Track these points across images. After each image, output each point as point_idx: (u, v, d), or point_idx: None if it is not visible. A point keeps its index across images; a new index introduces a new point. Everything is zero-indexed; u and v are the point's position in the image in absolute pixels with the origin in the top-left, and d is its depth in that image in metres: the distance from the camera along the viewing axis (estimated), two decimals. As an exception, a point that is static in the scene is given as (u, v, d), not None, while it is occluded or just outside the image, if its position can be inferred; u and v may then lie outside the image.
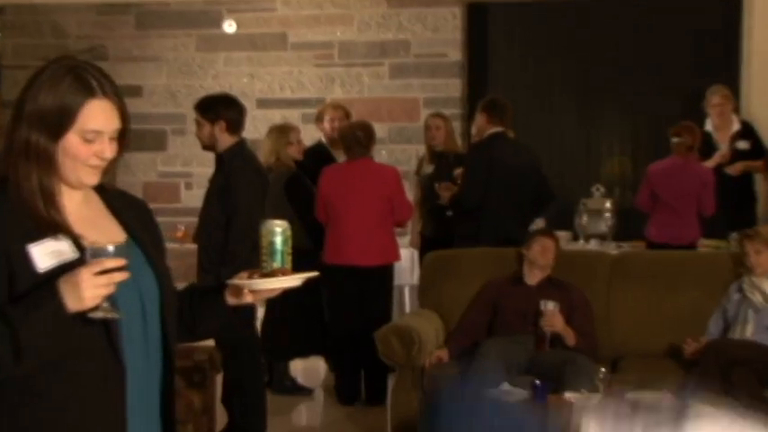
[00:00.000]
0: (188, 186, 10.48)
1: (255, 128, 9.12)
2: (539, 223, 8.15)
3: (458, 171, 7.84)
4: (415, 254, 8.64)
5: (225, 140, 6.36)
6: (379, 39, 10.22)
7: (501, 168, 7.49)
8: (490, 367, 6.08)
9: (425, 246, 8.25)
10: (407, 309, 8.81)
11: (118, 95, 2.59)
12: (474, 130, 8.22)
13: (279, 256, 2.74)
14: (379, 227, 7.58)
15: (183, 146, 10.41)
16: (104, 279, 2.37)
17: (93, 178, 2.57)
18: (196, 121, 6.47)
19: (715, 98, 8.49)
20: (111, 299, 2.41)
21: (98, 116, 2.53)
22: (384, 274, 7.68)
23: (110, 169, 2.61)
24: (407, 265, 8.66)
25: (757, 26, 9.35)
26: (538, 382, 5.48)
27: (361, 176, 7.60)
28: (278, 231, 2.76)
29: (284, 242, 2.75)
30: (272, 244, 2.74)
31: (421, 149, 9.27)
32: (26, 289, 2.42)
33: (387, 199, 7.59)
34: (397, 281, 8.08)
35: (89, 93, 2.52)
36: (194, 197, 9.49)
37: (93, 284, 2.37)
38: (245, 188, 6.23)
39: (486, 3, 10.20)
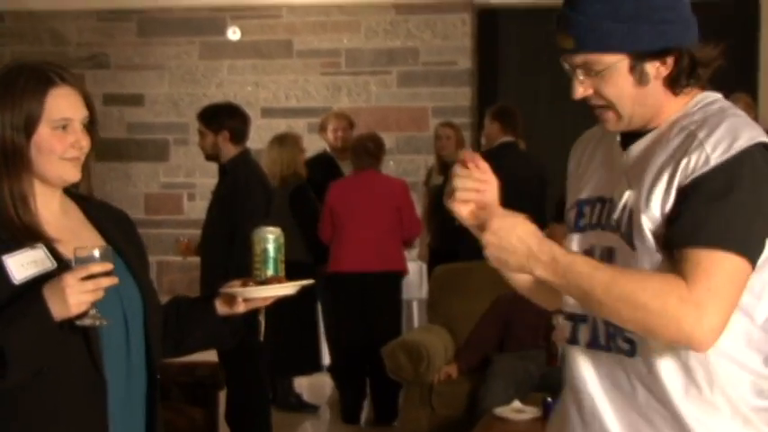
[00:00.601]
0: (191, 197, 10.39)
1: (260, 137, 8.98)
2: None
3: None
4: (424, 267, 8.61)
5: (228, 150, 6.32)
6: (386, 46, 10.09)
7: (512, 179, 7.38)
8: (501, 385, 6.04)
9: (433, 258, 8.20)
10: (416, 323, 8.77)
11: (78, 83, 2.57)
12: (483, 139, 8.14)
13: (272, 264, 2.71)
14: (387, 235, 7.48)
15: (185, 156, 10.31)
16: (90, 285, 2.34)
17: (74, 173, 2.54)
18: (199, 130, 6.46)
19: (738, 106, 8.32)
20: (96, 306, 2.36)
21: (63, 103, 2.51)
22: (391, 285, 7.54)
23: (86, 170, 2.59)
24: (416, 278, 8.62)
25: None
26: (549, 399, 5.37)
27: (370, 188, 7.52)
28: (270, 238, 2.73)
29: (277, 249, 2.72)
30: (264, 251, 2.71)
31: (430, 159, 9.21)
32: (4, 301, 2.38)
33: (395, 209, 7.51)
34: (405, 295, 8.01)
35: (48, 82, 2.51)
36: (197, 208, 9.42)
37: (79, 290, 2.33)
38: (250, 199, 6.18)
39: (496, 9, 10.09)
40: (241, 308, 2.73)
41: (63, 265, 2.44)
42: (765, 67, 9.41)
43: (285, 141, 7.86)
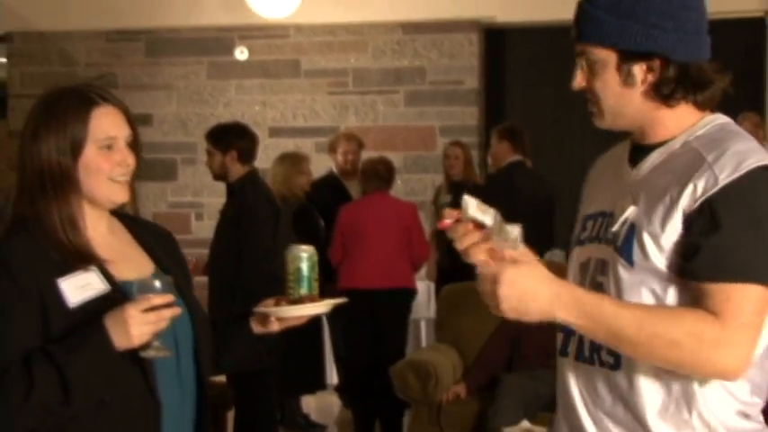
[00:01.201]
0: (199, 217, 10.39)
1: (268, 157, 8.97)
2: (557, 254, 8.00)
3: (476, 200, 7.73)
4: (432, 287, 8.56)
5: (236, 170, 6.30)
6: (393, 66, 10.09)
7: (521, 198, 7.40)
8: (509, 404, 6.02)
9: (441, 277, 8.16)
10: (424, 343, 8.73)
11: (120, 102, 2.58)
12: (491, 159, 8.13)
13: (306, 283, 2.70)
14: (396, 253, 7.44)
15: (193, 176, 10.32)
16: (153, 316, 2.34)
17: (122, 194, 2.55)
18: (207, 150, 6.44)
19: (745, 125, 8.34)
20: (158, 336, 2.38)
21: (107, 122, 2.51)
22: (400, 303, 7.50)
23: (132, 190, 2.60)
24: (424, 298, 8.57)
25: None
26: (558, 419, 5.34)
27: (380, 210, 7.49)
28: (304, 257, 2.71)
29: (311, 268, 2.71)
30: (298, 270, 2.70)
31: (437, 178, 9.19)
32: (61, 326, 2.38)
33: (405, 229, 7.48)
34: (413, 314, 7.95)
35: (91, 103, 2.52)
36: (205, 228, 9.41)
37: (142, 321, 2.33)
38: (257, 219, 6.15)
39: (502, 28, 10.07)
40: (275, 327, 2.72)
41: (116, 288, 2.45)
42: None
43: (283, 161, 7.85)
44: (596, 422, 2.34)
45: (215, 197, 8.82)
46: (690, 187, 2.18)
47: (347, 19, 10.08)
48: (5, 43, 10.72)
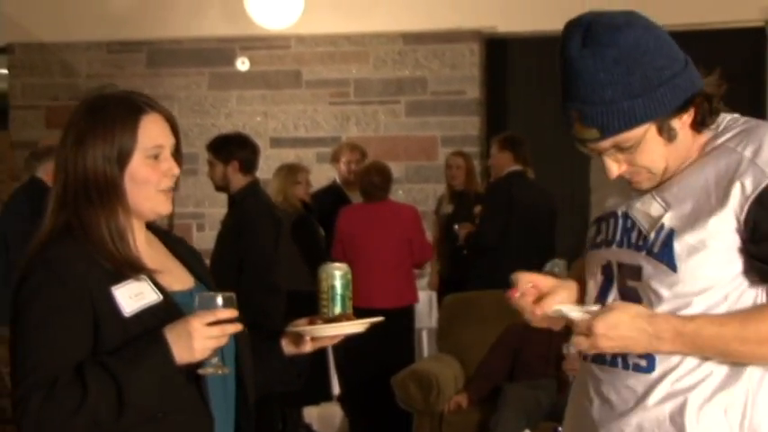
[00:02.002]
0: (200, 228, 10.37)
1: (269, 167, 8.97)
2: (558, 264, 8.00)
3: (477, 210, 7.74)
4: (434, 296, 8.55)
5: (238, 181, 6.29)
6: (395, 76, 10.09)
7: (521, 208, 7.40)
8: (511, 414, 6.02)
9: (443, 287, 8.16)
10: (426, 353, 8.70)
11: (165, 110, 2.49)
12: (491, 169, 8.11)
13: (339, 301, 2.63)
14: (398, 269, 7.44)
15: (194, 186, 10.30)
16: (216, 330, 2.28)
17: (167, 206, 2.48)
18: (209, 161, 6.43)
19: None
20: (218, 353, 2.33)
21: (155, 130, 2.43)
22: (402, 319, 7.48)
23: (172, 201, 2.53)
24: (425, 308, 8.56)
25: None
26: (560, 428, 5.32)
27: (381, 217, 7.48)
28: (338, 275, 2.65)
29: (345, 286, 2.65)
30: (332, 288, 2.63)
31: (439, 188, 9.18)
32: (115, 335, 2.32)
33: (406, 241, 7.48)
34: (415, 324, 7.92)
35: (138, 110, 2.43)
36: (207, 239, 9.37)
37: (206, 335, 2.27)
38: (259, 229, 6.16)
39: (504, 39, 10.06)
40: (308, 347, 2.66)
41: (169, 298, 2.39)
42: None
43: (279, 172, 7.85)
44: (614, 424, 2.33)
45: (216, 208, 8.81)
46: (736, 186, 2.19)
47: (348, 29, 10.08)
48: (6, 54, 10.70)
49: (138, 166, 2.41)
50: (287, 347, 2.67)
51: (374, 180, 7.51)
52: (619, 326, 2.20)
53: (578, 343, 2.24)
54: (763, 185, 2.16)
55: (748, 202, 2.17)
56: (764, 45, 9.45)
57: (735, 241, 2.21)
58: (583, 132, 2.26)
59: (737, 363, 2.22)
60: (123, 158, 2.39)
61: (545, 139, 9.51)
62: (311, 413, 8.19)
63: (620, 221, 2.36)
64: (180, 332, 2.27)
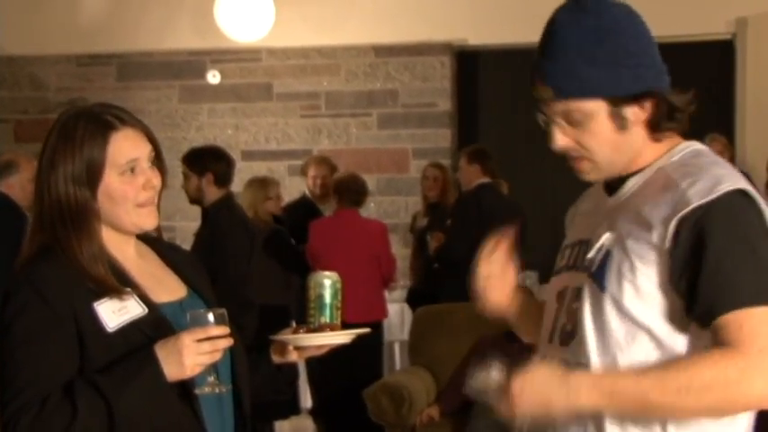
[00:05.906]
0: (172, 241, 10.30)
1: (241, 180, 8.92)
2: (530, 276, 8.02)
3: (449, 222, 7.74)
4: (406, 308, 8.52)
5: (212, 194, 6.28)
6: (366, 88, 10.10)
7: (490, 220, 7.39)
8: (483, 426, 6.01)
9: (415, 300, 8.11)
10: (398, 365, 8.68)
11: (138, 122, 2.42)
12: (461, 181, 8.11)
13: (328, 311, 2.61)
14: (366, 283, 7.38)
15: (165, 199, 9.85)
16: (207, 346, 2.26)
17: (150, 220, 2.43)
18: (183, 173, 6.40)
19: (714, 146, 8.38)
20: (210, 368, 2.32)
21: (127, 144, 2.37)
22: (372, 333, 7.45)
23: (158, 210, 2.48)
24: (397, 320, 8.54)
25: (750, 75, 9.30)
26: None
27: (348, 231, 7.45)
28: (327, 284, 2.62)
29: (334, 295, 2.62)
30: (320, 297, 2.60)
31: (411, 201, 9.18)
32: (100, 351, 2.28)
33: (374, 257, 7.46)
34: (387, 337, 7.93)
35: (108, 126, 2.37)
36: (178, 252, 9.32)
37: (196, 351, 2.25)
38: (232, 243, 6.14)
39: (475, 51, 10.08)
40: (293, 356, 2.65)
41: (155, 310, 2.36)
42: (741, 109, 9.41)
43: (250, 186, 7.80)
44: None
45: (188, 221, 8.77)
46: (664, 212, 2.17)
47: (319, 42, 10.08)
48: (-25, 68, 10.66)
49: (111, 183, 2.36)
50: (275, 356, 2.66)
51: (351, 186, 7.50)
52: (534, 381, 2.17)
53: (499, 411, 2.22)
54: (684, 213, 2.13)
55: (671, 231, 2.14)
56: (733, 58, 9.51)
57: (663, 275, 2.17)
58: (540, 91, 2.29)
59: None
60: (93, 177, 2.35)
61: (516, 151, 9.56)
62: (283, 427, 8.15)
63: (583, 247, 2.35)
64: (170, 349, 2.25)
